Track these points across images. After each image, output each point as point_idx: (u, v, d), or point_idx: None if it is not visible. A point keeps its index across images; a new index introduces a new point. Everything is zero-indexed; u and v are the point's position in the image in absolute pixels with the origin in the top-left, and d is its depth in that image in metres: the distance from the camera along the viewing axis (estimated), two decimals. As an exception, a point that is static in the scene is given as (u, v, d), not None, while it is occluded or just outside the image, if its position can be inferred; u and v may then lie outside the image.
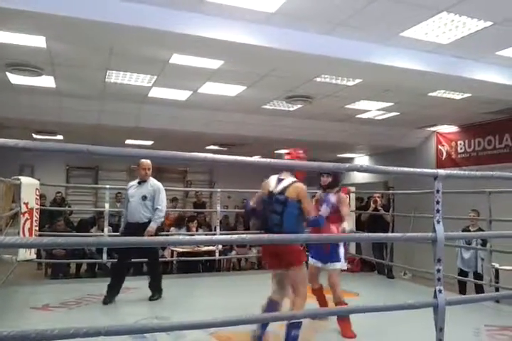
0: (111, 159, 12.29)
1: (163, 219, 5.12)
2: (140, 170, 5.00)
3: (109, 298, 4.74)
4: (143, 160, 4.92)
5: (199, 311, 4.34)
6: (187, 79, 6.61)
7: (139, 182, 5.06)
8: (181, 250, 7.48)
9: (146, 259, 5.41)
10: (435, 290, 2.47)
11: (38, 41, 5.10)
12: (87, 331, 1.66)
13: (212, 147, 11.41)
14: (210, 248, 7.42)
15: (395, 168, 2.49)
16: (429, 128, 10.16)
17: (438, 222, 2.57)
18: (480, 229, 6.27)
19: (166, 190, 5.15)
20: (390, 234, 3.35)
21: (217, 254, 6.96)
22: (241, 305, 4.10)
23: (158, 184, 5.10)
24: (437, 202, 2.59)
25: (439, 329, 2.42)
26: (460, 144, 9.64)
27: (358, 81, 6.41)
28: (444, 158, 10.02)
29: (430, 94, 7.07)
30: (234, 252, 8.88)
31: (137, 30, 4.36)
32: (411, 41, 5.02)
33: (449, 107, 7.89)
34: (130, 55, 5.60)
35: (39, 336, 1.59)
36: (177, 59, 5.62)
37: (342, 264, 4.04)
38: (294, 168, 3.40)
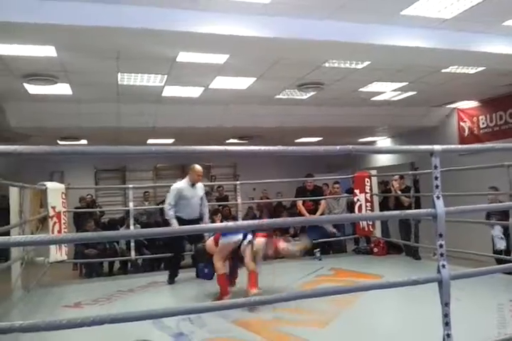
0: (137, 160, 12.61)
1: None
2: (194, 175, 5.52)
3: (170, 280, 5.51)
4: (197, 166, 5.54)
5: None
6: (196, 76, 6.71)
7: (192, 185, 5.55)
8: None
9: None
10: (438, 265, 2.49)
11: (48, 51, 5.29)
12: (93, 320, 1.78)
13: (231, 140, 11.52)
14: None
15: (389, 147, 2.52)
16: (449, 106, 9.96)
17: (438, 197, 2.57)
18: None
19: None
20: (388, 212, 3.36)
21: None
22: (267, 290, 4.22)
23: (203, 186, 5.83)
24: (436, 178, 2.59)
25: (445, 304, 2.44)
26: (482, 119, 9.41)
27: (366, 63, 6.35)
28: (466, 134, 9.81)
29: (443, 70, 6.93)
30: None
31: (139, 31, 4.48)
32: (413, 19, 4.96)
33: (465, 82, 7.72)
34: (137, 57, 5.72)
35: (48, 326, 1.72)
36: (183, 57, 5.72)
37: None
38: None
